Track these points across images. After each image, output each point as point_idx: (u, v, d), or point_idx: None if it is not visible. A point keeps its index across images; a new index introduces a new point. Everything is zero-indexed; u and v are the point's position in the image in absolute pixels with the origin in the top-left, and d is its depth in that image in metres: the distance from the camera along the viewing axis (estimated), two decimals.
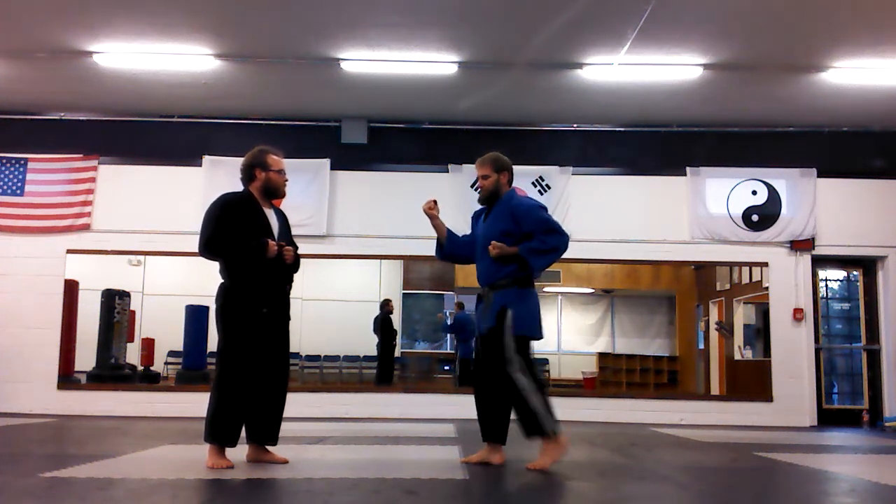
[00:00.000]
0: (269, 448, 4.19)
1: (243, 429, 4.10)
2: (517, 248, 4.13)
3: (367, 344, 12.02)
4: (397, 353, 12.31)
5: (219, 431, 3.97)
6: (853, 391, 9.49)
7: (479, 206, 4.63)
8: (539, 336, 4.22)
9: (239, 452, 4.15)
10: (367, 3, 6.38)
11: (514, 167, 4.49)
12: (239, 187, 4.34)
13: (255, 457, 4.15)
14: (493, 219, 4.34)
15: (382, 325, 11.65)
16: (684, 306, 14.17)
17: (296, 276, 4.37)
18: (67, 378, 8.79)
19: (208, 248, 4.05)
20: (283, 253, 4.10)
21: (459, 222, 8.83)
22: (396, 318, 12.32)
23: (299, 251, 4.38)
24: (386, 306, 11.84)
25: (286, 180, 4.38)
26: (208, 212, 4.11)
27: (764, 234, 8.88)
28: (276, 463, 4.12)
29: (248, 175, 4.24)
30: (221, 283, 4.11)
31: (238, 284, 4.06)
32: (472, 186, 8.82)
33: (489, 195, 4.41)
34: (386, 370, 11.47)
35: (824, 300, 9.45)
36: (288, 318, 4.28)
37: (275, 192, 4.30)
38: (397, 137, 9.07)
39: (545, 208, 4.36)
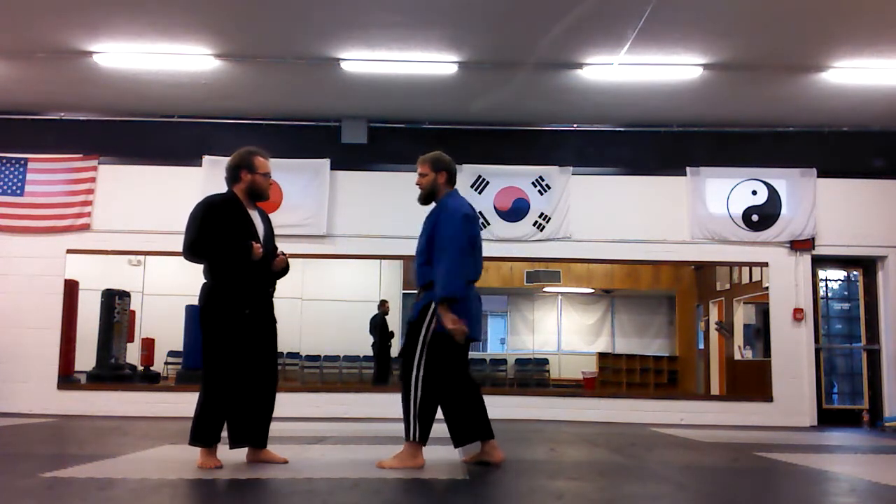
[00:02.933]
0: (270, 448, 4.19)
1: (226, 430, 4.08)
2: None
3: (367, 344, 12.03)
4: (396, 353, 12.34)
5: (201, 433, 3.96)
6: (853, 391, 9.49)
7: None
8: (470, 336, 4.12)
9: (239, 453, 4.16)
10: (367, 3, 6.37)
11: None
12: None
13: (255, 457, 4.15)
14: (425, 225, 4.27)
15: (380, 325, 11.67)
16: (684, 306, 14.17)
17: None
18: (67, 378, 8.79)
19: (192, 250, 4.05)
20: (271, 256, 4.11)
21: None
22: (396, 319, 12.34)
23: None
24: (382, 307, 11.87)
25: (271, 183, 4.32)
26: (192, 214, 4.10)
27: (764, 234, 8.88)
28: (276, 463, 4.11)
29: (233, 176, 4.20)
30: (204, 284, 4.12)
31: (220, 285, 4.06)
32: (471, 186, 8.82)
33: (426, 195, 4.34)
34: (383, 370, 11.48)
35: (824, 300, 9.45)
36: (273, 319, 4.25)
37: (259, 194, 4.24)
38: (397, 137, 9.07)
39: (466, 217, 4.16)
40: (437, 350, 4.05)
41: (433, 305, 4.05)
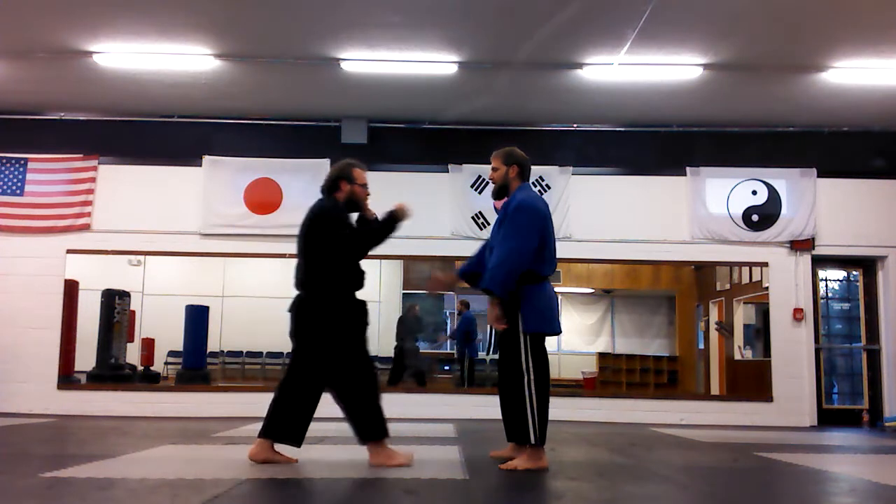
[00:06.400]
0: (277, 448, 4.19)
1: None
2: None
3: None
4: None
5: (381, 429, 4.11)
6: (853, 391, 9.49)
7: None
8: (553, 331, 4.18)
9: (239, 452, 4.15)
10: (367, 3, 6.38)
11: None
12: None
13: (266, 457, 4.13)
14: (500, 218, 4.32)
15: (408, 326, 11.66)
16: (684, 306, 14.17)
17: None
18: (67, 378, 8.79)
19: (360, 249, 4.24)
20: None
21: (459, 222, 8.88)
22: (395, 319, 12.34)
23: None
24: (411, 310, 11.92)
25: (369, 195, 4.45)
26: (334, 219, 4.21)
27: (764, 234, 8.88)
28: (286, 462, 4.12)
29: (333, 186, 4.33)
30: (324, 295, 4.14)
31: (347, 297, 4.19)
32: (471, 186, 8.82)
33: (499, 189, 4.43)
34: (400, 371, 11.41)
35: (824, 300, 9.45)
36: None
37: (357, 205, 4.38)
38: (397, 137, 9.07)
39: (535, 211, 4.19)
40: (538, 350, 4.08)
41: (521, 310, 4.07)
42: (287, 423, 4.10)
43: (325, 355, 4.12)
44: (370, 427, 4.12)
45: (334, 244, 4.16)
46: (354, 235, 4.25)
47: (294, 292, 4.28)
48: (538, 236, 4.12)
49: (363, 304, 4.26)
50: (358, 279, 4.26)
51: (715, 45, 7.05)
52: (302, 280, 4.22)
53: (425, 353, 13.67)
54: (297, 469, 3.97)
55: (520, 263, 4.05)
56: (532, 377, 4.04)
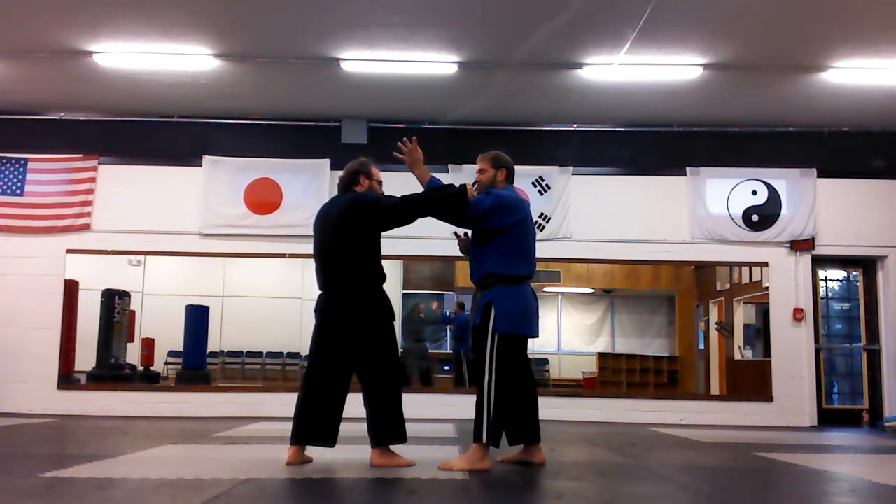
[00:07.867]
0: (273, 447, 4.19)
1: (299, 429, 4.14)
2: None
3: None
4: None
5: (401, 433, 4.11)
6: (853, 391, 9.49)
7: None
8: (527, 333, 4.19)
9: (236, 451, 4.15)
10: (367, 3, 6.38)
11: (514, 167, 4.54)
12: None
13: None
14: None
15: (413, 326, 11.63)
16: (684, 306, 14.16)
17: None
18: (67, 378, 8.78)
19: (414, 210, 4.25)
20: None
21: None
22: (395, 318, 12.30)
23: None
24: (415, 309, 11.90)
25: (383, 193, 4.47)
26: (374, 196, 4.30)
27: (764, 234, 8.88)
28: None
29: (352, 180, 4.37)
30: (364, 289, 4.12)
31: (380, 288, 4.17)
32: (472, 185, 8.81)
33: (484, 190, 4.45)
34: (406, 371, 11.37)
35: (824, 300, 9.45)
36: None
37: None
38: (397, 137, 8.99)
39: (503, 195, 4.30)
40: (505, 351, 4.08)
41: (493, 308, 4.08)
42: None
43: (388, 349, 4.13)
44: (392, 429, 4.09)
45: (384, 211, 4.15)
46: (405, 198, 4.21)
47: (301, 292, 4.27)
48: (491, 212, 4.23)
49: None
50: (383, 273, 4.27)
51: (715, 45, 7.05)
52: (343, 275, 4.11)
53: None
54: (297, 470, 3.97)
55: (454, 207, 4.22)
56: (493, 378, 4.04)
